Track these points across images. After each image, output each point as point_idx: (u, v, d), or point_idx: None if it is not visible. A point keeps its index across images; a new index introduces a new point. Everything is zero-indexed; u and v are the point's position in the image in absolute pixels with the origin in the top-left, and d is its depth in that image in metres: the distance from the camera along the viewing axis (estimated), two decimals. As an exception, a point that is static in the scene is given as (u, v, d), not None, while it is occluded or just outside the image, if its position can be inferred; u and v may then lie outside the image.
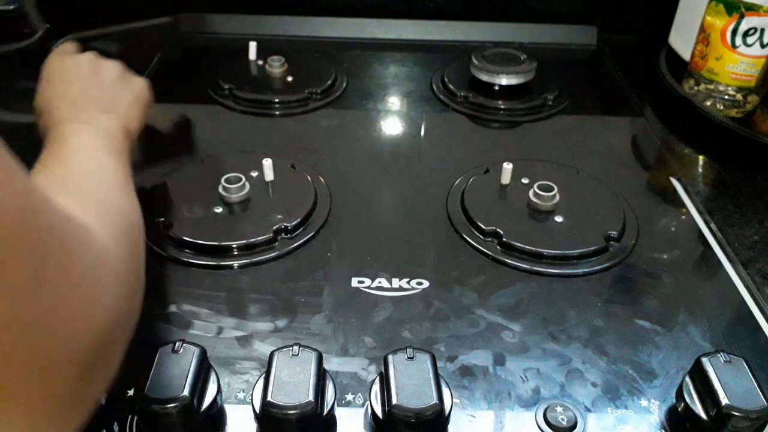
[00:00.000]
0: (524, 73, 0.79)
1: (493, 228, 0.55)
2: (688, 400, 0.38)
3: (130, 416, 0.39)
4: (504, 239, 0.54)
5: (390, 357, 0.38)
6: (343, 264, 0.52)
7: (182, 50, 0.92)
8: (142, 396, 0.35)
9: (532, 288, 0.51)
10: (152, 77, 0.80)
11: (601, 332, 0.47)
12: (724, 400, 0.36)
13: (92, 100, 0.51)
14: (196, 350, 0.37)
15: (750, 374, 0.37)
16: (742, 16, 0.70)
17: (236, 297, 0.49)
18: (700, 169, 0.69)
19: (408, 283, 0.50)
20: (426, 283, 0.50)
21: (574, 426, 0.39)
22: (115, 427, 0.39)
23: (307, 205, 0.57)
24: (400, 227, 0.58)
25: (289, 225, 0.55)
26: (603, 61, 0.92)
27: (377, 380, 0.39)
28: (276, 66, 0.82)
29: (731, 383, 0.36)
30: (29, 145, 0.43)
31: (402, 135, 0.73)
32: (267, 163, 0.59)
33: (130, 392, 0.40)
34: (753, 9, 0.69)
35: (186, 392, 0.35)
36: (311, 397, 0.35)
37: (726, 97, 0.75)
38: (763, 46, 0.71)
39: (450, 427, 0.39)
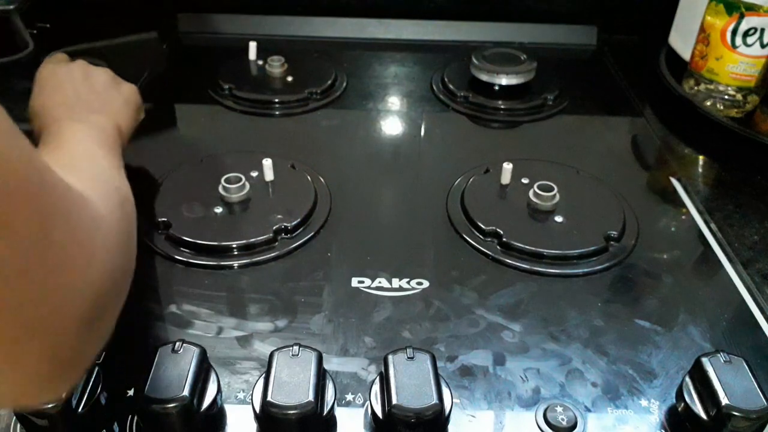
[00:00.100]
0: (524, 73, 0.79)
1: (493, 228, 0.55)
2: (688, 400, 0.38)
3: (130, 416, 0.39)
4: (504, 239, 0.54)
5: (390, 357, 0.38)
6: (343, 264, 0.52)
7: (182, 50, 0.92)
8: (142, 396, 0.35)
9: (532, 288, 0.51)
10: (152, 78, 0.81)
11: (601, 332, 0.47)
12: (724, 400, 0.36)
13: (84, 103, 0.52)
14: (196, 350, 0.37)
15: (750, 374, 0.37)
16: (742, 16, 0.70)
17: (236, 297, 0.49)
18: (700, 169, 0.69)
19: (408, 283, 0.50)
20: (426, 283, 0.50)
21: (574, 426, 0.39)
22: (115, 427, 0.39)
23: (307, 205, 0.57)
24: (400, 227, 0.58)
25: (289, 225, 0.55)
26: (603, 61, 0.92)
27: (377, 380, 0.39)
28: (276, 66, 0.82)
29: (731, 383, 0.36)
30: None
31: (402, 135, 0.73)
32: (267, 163, 0.59)
33: (130, 392, 0.40)
34: (753, 9, 0.69)
35: (186, 392, 0.35)
36: (311, 397, 0.35)
37: (726, 97, 0.75)
38: (763, 46, 0.71)
39: (450, 427, 0.39)
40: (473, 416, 0.40)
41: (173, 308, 0.48)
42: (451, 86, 0.80)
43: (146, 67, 0.70)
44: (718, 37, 0.72)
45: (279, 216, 0.55)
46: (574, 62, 0.93)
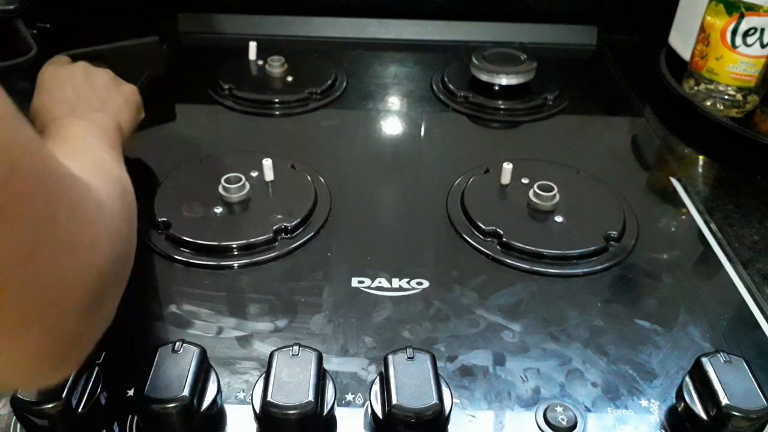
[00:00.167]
0: (524, 73, 0.79)
1: (493, 228, 0.55)
2: (688, 400, 0.38)
3: (130, 416, 0.39)
4: (504, 239, 0.54)
5: (390, 357, 0.38)
6: (343, 264, 0.52)
7: (182, 50, 0.92)
8: (142, 396, 0.35)
9: (532, 288, 0.51)
10: (152, 78, 0.81)
11: (601, 332, 0.47)
12: (724, 400, 0.36)
13: (86, 102, 0.54)
14: (196, 350, 0.37)
15: (750, 374, 0.37)
16: (742, 16, 0.70)
17: (236, 297, 0.49)
18: (700, 169, 0.69)
19: (408, 283, 0.50)
20: (426, 283, 0.50)
21: (574, 426, 0.39)
22: (115, 427, 0.39)
23: (307, 205, 0.57)
24: (400, 227, 0.58)
25: (289, 225, 0.55)
26: (603, 61, 0.92)
27: (377, 380, 0.39)
28: (276, 66, 0.82)
29: (731, 383, 0.36)
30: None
31: (402, 135, 0.73)
32: (267, 163, 0.59)
33: (130, 392, 0.40)
34: (753, 9, 0.69)
35: (186, 392, 0.35)
36: (311, 397, 0.35)
37: (726, 97, 0.75)
38: (763, 46, 0.71)
39: (450, 427, 0.39)
40: (473, 416, 0.40)
41: (173, 308, 0.48)
42: (451, 86, 0.80)
43: (146, 70, 0.71)
44: (718, 37, 0.72)
45: (279, 216, 0.55)
46: (574, 62, 0.93)
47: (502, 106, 0.77)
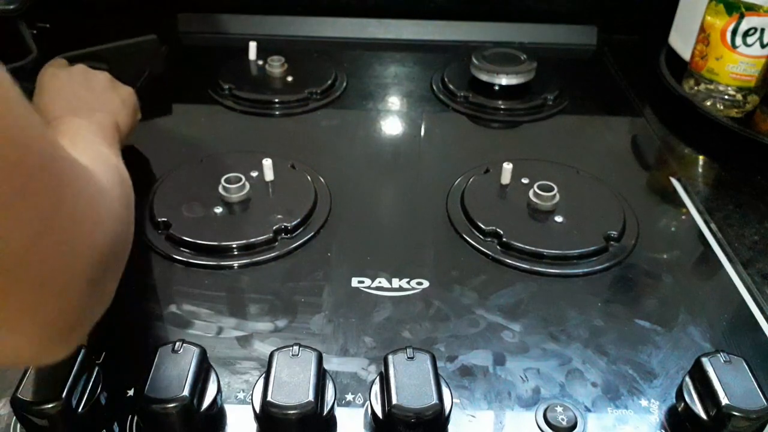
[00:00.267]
0: (524, 73, 0.79)
1: (493, 228, 0.55)
2: (688, 400, 0.38)
3: (130, 416, 0.39)
4: (504, 239, 0.54)
5: (390, 357, 0.38)
6: (343, 264, 0.52)
7: (182, 50, 0.92)
8: (142, 396, 0.35)
9: (532, 288, 0.50)
10: (152, 78, 0.81)
11: (601, 332, 0.47)
12: (724, 400, 0.36)
13: (85, 103, 0.55)
14: (196, 350, 0.37)
15: (750, 374, 0.37)
16: (742, 16, 0.70)
17: (236, 297, 0.49)
18: (700, 169, 0.69)
19: (408, 283, 0.50)
20: (426, 283, 0.50)
21: (574, 426, 0.39)
22: (115, 427, 0.39)
23: (307, 205, 0.57)
24: (400, 227, 0.58)
25: (289, 225, 0.55)
26: (603, 61, 0.92)
27: (377, 380, 0.39)
28: (276, 66, 0.82)
29: (731, 383, 0.36)
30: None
31: (402, 135, 0.73)
32: (267, 163, 0.59)
33: (130, 392, 0.40)
34: (753, 9, 0.69)
35: (186, 392, 0.35)
36: (311, 397, 0.35)
37: (726, 97, 0.75)
38: (763, 46, 0.71)
39: (450, 427, 0.39)
40: (473, 416, 0.40)
41: (173, 308, 0.48)
42: (451, 86, 0.80)
43: (145, 68, 0.72)
44: (718, 37, 0.72)
45: (279, 216, 0.55)
46: (574, 62, 0.93)
47: (502, 106, 0.77)
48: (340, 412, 0.40)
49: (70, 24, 0.83)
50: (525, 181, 0.61)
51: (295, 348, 0.38)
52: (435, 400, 0.35)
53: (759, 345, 0.46)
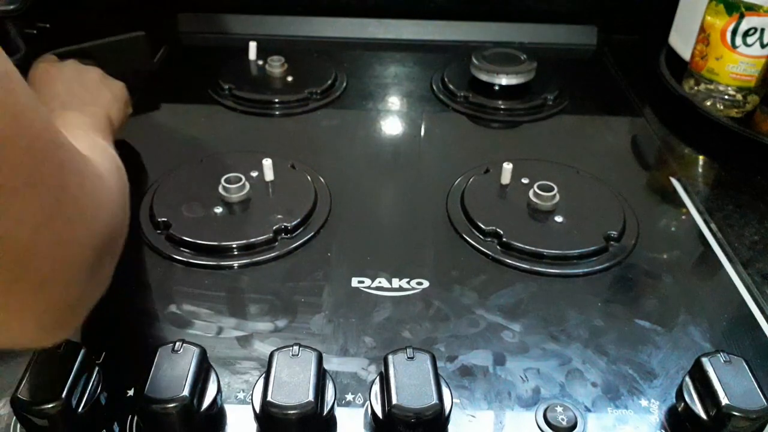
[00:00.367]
0: (524, 73, 0.79)
1: (493, 228, 0.55)
2: (688, 400, 0.38)
3: (130, 416, 0.39)
4: (504, 239, 0.54)
5: (390, 357, 0.38)
6: (343, 264, 0.52)
7: (182, 50, 0.92)
8: (142, 396, 0.35)
9: (532, 288, 0.50)
10: (152, 78, 0.81)
11: (601, 332, 0.47)
12: (724, 400, 0.36)
13: (77, 98, 0.55)
14: (196, 350, 0.37)
15: (750, 374, 0.37)
16: (742, 16, 0.70)
17: (236, 297, 0.49)
18: (700, 169, 0.69)
19: (408, 283, 0.50)
20: (426, 283, 0.50)
21: (574, 426, 0.39)
22: (115, 427, 0.39)
23: (307, 205, 0.57)
24: (400, 227, 0.58)
25: (289, 225, 0.55)
26: (603, 61, 0.92)
27: (377, 380, 0.39)
28: (276, 66, 0.82)
29: (731, 383, 0.36)
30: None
31: (402, 135, 0.73)
32: (267, 163, 0.59)
33: (130, 392, 0.40)
34: (753, 9, 0.69)
35: (186, 392, 0.35)
36: (311, 397, 0.35)
37: (726, 97, 0.75)
38: (763, 46, 0.71)
39: (450, 427, 0.39)
40: (473, 416, 0.40)
41: (173, 308, 0.48)
42: (451, 86, 0.80)
43: (135, 65, 0.72)
44: (718, 37, 0.72)
45: (279, 216, 0.55)
46: (574, 62, 0.93)
47: (502, 106, 0.77)
48: (340, 412, 0.40)
49: (68, 24, 0.83)
50: (525, 181, 0.61)
51: (295, 348, 0.38)
52: (435, 400, 0.35)
53: (759, 345, 0.46)
